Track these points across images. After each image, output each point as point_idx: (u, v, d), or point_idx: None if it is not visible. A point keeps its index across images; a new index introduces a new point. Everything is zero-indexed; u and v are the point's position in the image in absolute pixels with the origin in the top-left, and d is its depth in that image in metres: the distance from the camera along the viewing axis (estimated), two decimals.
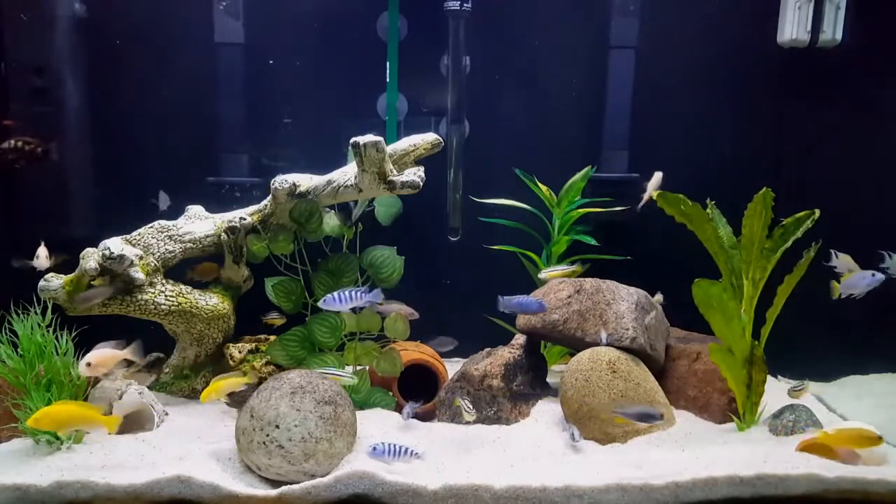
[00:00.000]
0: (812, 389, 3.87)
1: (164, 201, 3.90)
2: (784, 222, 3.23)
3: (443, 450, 3.09)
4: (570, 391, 3.30)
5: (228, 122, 4.16)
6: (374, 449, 2.84)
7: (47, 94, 4.04)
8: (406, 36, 4.11)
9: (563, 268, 3.81)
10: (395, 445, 2.86)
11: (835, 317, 4.09)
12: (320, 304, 3.15)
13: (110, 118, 4.09)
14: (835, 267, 3.43)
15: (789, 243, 3.20)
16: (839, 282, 3.29)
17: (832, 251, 3.39)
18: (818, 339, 4.09)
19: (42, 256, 3.51)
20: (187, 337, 3.69)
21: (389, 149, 3.46)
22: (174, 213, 3.84)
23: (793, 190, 3.97)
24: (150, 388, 3.52)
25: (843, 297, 3.28)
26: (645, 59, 4.15)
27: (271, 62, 4.10)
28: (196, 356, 3.72)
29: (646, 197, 3.66)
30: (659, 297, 3.77)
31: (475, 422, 3.37)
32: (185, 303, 3.59)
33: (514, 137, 4.24)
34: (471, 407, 3.27)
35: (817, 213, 3.20)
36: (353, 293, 3.09)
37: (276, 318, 3.78)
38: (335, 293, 3.10)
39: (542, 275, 3.83)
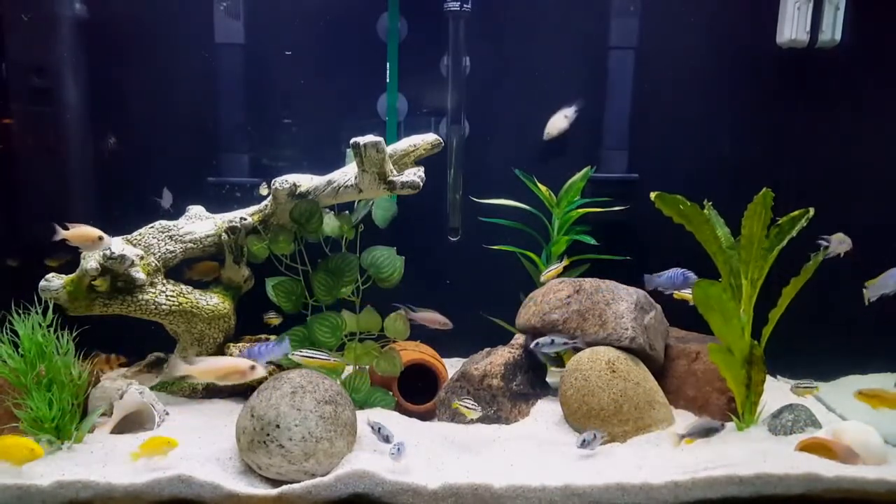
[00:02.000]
0: None
1: (167, 199, 3.91)
2: (779, 221, 3.23)
3: (443, 449, 3.10)
4: (570, 391, 3.31)
5: (229, 122, 4.16)
6: (399, 450, 2.83)
7: (47, 93, 4.05)
8: (406, 36, 4.11)
9: (555, 266, 3.83)
10: (404, 444, 2.88)
11: (834, 317, 4.11)
12: None
13: (110, 118, 4.09)
14: (830, 253, 3.41)
15: (785, 242, 3.21)
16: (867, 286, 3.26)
17: (823, 241, 3.38)
18: (818, 338, 4.09)
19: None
20: (188, 337, 3.69)
21: (389, 149, 3.47)
22: (175, 212, 3.85)
23: (791, 190, 3.97)
24: (150, 387, 3.53)
25: (873, 300, 3.25)
26: (645, 59, 4.15)
27: (288, 53, 4.09)
28: (197, 356, 3.72)
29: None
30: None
31: (477, 420, 3.38)
32: (186, 303, 3.60)
33: (514, 137, 4.24)
34: (474, 403, 3.26)
35: (811, 211, 3.21)
36: (261, 348, 3.04)
37: (273, 318, 3.79)
38: (245, 351, 3.05)
39: (542, 278, 3.85)
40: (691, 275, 3.22)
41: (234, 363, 2.91)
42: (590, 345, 3.43)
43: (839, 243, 3.40)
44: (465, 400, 3.29)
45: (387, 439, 2.95)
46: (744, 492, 2.72)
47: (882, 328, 4.01)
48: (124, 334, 3.77)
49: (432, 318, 3.50)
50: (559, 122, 3.84)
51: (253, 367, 2.88)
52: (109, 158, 4.11)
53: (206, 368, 2.90)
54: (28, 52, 4.00)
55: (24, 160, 4.08)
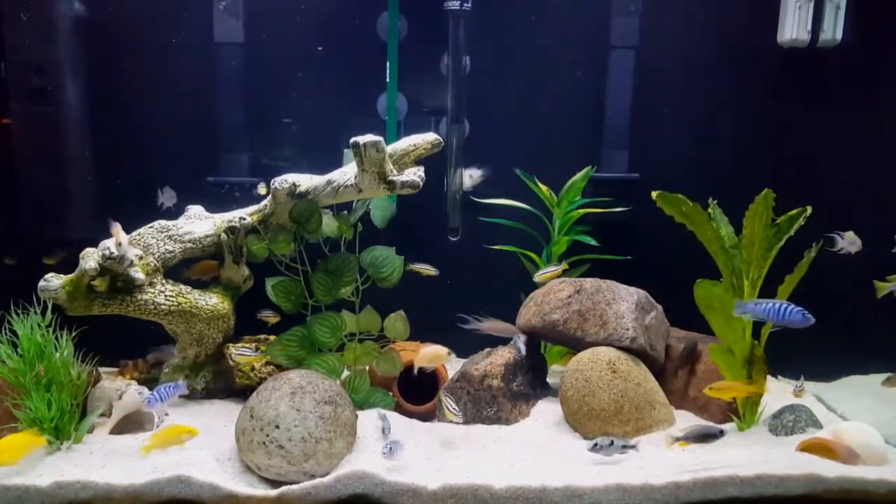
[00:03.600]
0: (812, 389, 3.87)
1: (169, 198, 3.90)
2: (777, 221, 3.23)
3: (443, 450, 3.09)
4: (570, 391, 3.30)
5: (228, 122, 4.16)
6: (391, 450, 2.83)
7: (47, 93, 4.04)
8: (406, 36, 4.10)
9: (552, 268, 3.82)
10: (399, 443, 2.88)
11: (835, 317, 4.10)
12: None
13: (110, 118, 4.09)
14: (841, 249, 3.41)
15: (783, 241, 3.20)
16: (885, 281, 3.26)
17: (835, 235, 3.38)
18: (818, 338, 4.07)
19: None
20: (187, 337, 3.68)
21: (389, 149, 3.46)
22: (175, 212, 3.84)
23: (792, 190, 3.96)
24: (149, 387, 3.52)
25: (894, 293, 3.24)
26: (645, 59, 4.15)
27: (320, 48, 4.08)
28: (196, 356, 3.72)
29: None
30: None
31: (472, 422, 3.37)
32: (185, 303, 3.59)
33: (514, 137, 4.24)
34: (454, 407, 3.22)
35: (809, 209, 3.21)
36: (167, 389, 3.08)
37: (269, 316, 3.78)
38: (152, 393, 3.08)
39: (536, 278, 3.84)
40: (801, 315, 2.72)
41: (438, 350, 3.27)
42: (591, 345, 3.43)
43: (850, 243, 3.40)
44: (447, 399, 3.25)
45: (383, 431, 3.01)
46: (745, 492, 2.72)
47: (882, 328, 4.01)
48: (123, 334, 3.76)
49: (502, 327, 3.44)
50: (463, 178, 3.92)
51: (449, 353, 3.26)
52: (109, 158, 4.10)
53: (423, 356, 3.26)
54: (28, 52, 3.99)
55: (23, 159, 4.08)
